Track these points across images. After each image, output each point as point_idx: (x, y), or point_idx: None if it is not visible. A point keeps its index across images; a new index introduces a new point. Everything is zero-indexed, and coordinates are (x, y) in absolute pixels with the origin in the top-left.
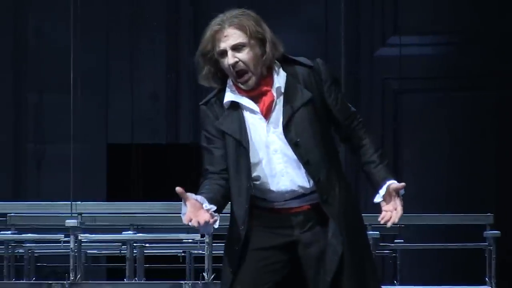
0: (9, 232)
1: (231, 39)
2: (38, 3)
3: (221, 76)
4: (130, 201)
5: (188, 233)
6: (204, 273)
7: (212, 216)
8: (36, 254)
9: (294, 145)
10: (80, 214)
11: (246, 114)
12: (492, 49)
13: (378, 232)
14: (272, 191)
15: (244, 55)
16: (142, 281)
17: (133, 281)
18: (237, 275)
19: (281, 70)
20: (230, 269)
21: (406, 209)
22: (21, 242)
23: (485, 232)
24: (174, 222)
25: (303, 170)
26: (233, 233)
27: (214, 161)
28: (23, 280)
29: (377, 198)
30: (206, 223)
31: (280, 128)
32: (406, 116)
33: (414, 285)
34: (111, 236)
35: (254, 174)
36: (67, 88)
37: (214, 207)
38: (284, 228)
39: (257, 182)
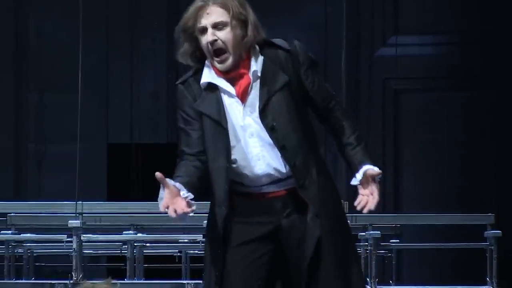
0: (10, 232)
1: (213, 16)
2: (39, 3)
3: (199, 56)
4: (131, 201)
5: (189, 233)
6: None
7: (189, 205)
8: (35, 254)
9: (270, 130)
10: (81, 213)
11: (224, 96)
12: (493, 49)
13: (379, 232)
14: (248, 175)
15: (224, 34)
16: (144, 281)
17: (134, 281)
18: (225, 276)
19: (259, 53)
20: (215, 270)
21: (406, 209)
22: (21, 242)
23: (486, 232)
24: (177, 222)
25: (279, 154)
26: (212, 224)
27: (191, 142)
28: (22, 279)
29: (354, 181)
30: (184, 212)
31: (256, 112)
32: (406, 116)
33: (415, 285)
34: (114, 236)
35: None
36: (68, 88)
37: (191, 196)
38: (263, 215)
39: (234, 165)
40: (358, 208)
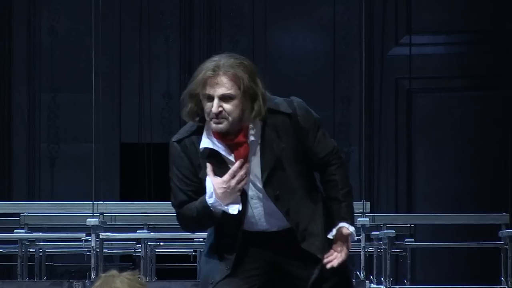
0: (23, 231)
1: (222, 88)
2: (51, 3)
3: (202, 115)
4: (144, 201)
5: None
6: None
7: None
8: (47, 253)
9: (275, 199)
10: (102, 213)
11: (223, 163)
12: (506, 48)
13: (393, 231)
14: (251, 228)
15: (230, 106)
16: (159, 280)
17: (152, 280)
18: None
19: (257, 120)
20: (211, 278)
21: (420, 209)
22: (33, 241)
23: (500, 231)
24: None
25: (280, 214)
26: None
27: (188, 197)
28: (34, 279)
29: (330, 235)
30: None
31: (255, 177)
32: (419, 115)
33: (429, 285)
34: (132, 234)
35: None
36: (81, 87)
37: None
38: (263, 248)
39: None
40: (325, 261)
